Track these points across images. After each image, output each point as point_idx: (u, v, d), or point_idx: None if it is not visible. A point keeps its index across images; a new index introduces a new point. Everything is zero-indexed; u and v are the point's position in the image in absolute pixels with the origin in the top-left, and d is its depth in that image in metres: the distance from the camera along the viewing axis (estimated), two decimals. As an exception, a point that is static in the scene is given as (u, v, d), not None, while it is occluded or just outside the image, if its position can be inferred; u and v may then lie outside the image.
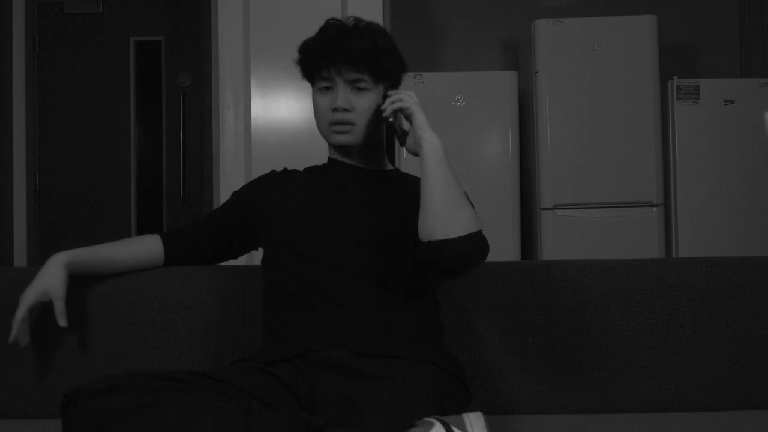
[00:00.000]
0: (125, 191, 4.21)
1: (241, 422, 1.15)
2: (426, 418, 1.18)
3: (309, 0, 2.91)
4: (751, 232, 3.60)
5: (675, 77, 3.64)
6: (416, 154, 1.42)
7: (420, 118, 1.42)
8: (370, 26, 1.52)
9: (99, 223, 4.11)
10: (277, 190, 1.60)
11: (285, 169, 1.66)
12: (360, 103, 1.48)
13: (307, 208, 1.54)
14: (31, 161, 4.09)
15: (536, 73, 3.61)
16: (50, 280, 1.51)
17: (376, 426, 1.17)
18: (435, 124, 3.85)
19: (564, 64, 3.60)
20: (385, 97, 1.48)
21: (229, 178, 3.10)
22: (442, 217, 1.34)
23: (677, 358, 1.63)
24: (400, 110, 1.43)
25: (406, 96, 1.43)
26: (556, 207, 3.58)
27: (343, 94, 1.48)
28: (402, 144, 1.47)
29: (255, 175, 1.71)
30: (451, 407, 1.29)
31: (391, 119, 1.45)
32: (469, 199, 1.46)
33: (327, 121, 1.51)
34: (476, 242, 1.35)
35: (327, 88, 1.50)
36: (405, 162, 3.24)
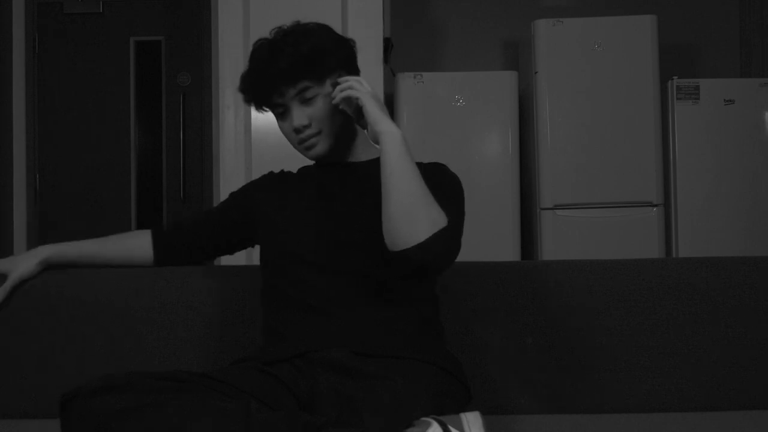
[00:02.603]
0: (125, 191, 4.21)
1: (241, 422, 1.15)
2: (423, 418, 1.18)
3: (309, 0, 2.91)
4: (751, 232, 3.60)
5: (675, 77, 3.64)
6: (378, 143, 1.39)
7: (372, 110, 1.36)
8: (292, 34, 1.48)
9: (99, 223, 4.11)
10: (276, 192, 1.60)
11: (282, 171, 1.66)
12: (315, 112, 1.46)
13: (304, 209, 1.54)
14: (31, 161, 4.09)
15: (536, 73, 3.61)
16: (20, 263, 1.64)
17: (376, 426, 1.17)
18: (435, 124, 3.86)
19: (564, 64, 3.60)
20: (335, 85, 1.44)
21: (229, 178, 3.10)
22: (403, 222, 1.30)
23: (677, 358, 1.63)
24: (350, 100, 1.40)
25: (356, 83, 1.39)
26: (556, 207, 3.57)
27: (296, 113, 1.46)
28: (364, 128, 1.43)
29: (255, 175, 1.71)
30: (450, 407, 1.29)
31: (341, 107, 1.42)
32: (458, 186, 1.46)
33: (295, 142, 1.50)
34: (444, 240, 1.30)
35: (283, 112, 1.49)
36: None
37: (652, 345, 1.63)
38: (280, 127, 1.52)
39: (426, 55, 4.27)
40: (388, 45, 3.30)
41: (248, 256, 1.76)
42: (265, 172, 1.70)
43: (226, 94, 3.10)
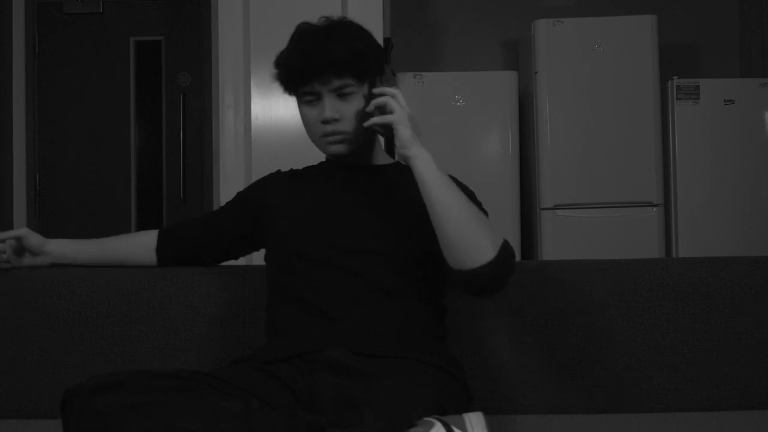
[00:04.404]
0: (125, 191, 4.21)
1: (243, 421, 1.15)
2: (426, 418, 1.18)
3: (309, 0, 2.91)
4: (751, 232, 3.60)
5: (675, 77, 3.64)
6: (405, 163, 1.38)
7: (404, 135, 1.34)
8: (346, 27, 1.48)
9: (99, 224, 4.11)
10: (286, 188, 1.59)
11: (291, 170, 1.66)
12: (348, 110, 1.45)
13: (315, 206, 1.54)
14: (31, 161, 4.10)
15: (536, 73, 3.61)
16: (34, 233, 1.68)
17: (376, 426, 1.17)
18: (435, 124, 3.84)
19: (564, 64, 3.60)
20: (370, 95, 1.41)
21: (229, 178, 3.10)
22: (467, 245, 1.30)
23: (677, 358, 1.63)
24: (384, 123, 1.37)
25: (393, 103, 1.36)
26: (556, 207, 3.58)
27: (330, 105, 1.44)
28: (392, 142, 1.39)
29: (255, 175, 1.71)
30: (451, 407, 1.29)
31: (375, 127, 1.39)
32: (476, 199, 1.46)
33: (318, 134, 1.48)
34: (509, 254, 1.33)
35: (313, 101, 1.47)
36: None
37: (652, 345, 1.63)
38: (305, 114, 1.49)
39: (426, 55, 4.28)
40: (388, 45, 3.30)
41: (249, 256, 1.76)
42: (265, 172, 1.69)
43: (226, 94, 3.10)
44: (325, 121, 1.45)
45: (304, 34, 1.47)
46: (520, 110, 3.71)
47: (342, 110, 1.45)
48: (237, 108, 3.09)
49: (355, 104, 1.45)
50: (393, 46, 3.46)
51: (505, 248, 1.33)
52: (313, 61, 1.43)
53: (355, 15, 2.99)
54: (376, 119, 1.36)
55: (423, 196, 1.35)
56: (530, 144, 3.69)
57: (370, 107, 1.38)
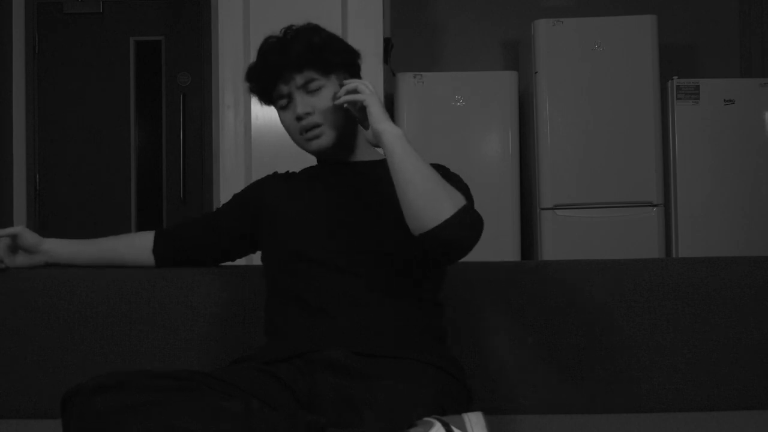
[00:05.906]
0: (125, 191, 4.21)
1: (242, 421, 1.15)
2: (426, 418, 1.18)
3: (309, 0, 2.91)
4: (751, 232, 3.60)
5: (675, 77, 3.64)
6: (377, 146, 1.41)
7: (375, 111, 1.38)
8: (303, 28, 1.53)
9: (99, 224, 4.11)
10: (281, 190, 1.60)
11: (287, 172, 1.67)
12: (319, 102, 1.49)
13: (310, 207, 1.54)
14: (31, 161, 4.10)
15: (536, 73, 3.61)
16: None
17: (376, 426, 1.17)
18: (435, 124, 3.84)
19: (564, 64, 3.60)
20: (341, 86, 1.46)
21: (229, 178, 3.10)
22: (425, 204, 1.31)
23: (677, 358, 1.63)
24: (355, 102, 1.41)
25: (362, 86, 1.41)
26: (556, 207, 3.58)
27: (300, 101, 1.48)
28: (366, 128, 1.44)
29: (255, 175, 1.72)
30: (451, 407, 1.29)
31: (345, 105, 1.43)
32: (463, 182, 1.48)
33: (298, 133, 1.51)
34: (468, 216, 1.33)
35: (287, 104, 1.51)
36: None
37: (652, 345, 1.63)
38: (283, 120, 1.54)
39: (426, 55, 4.28)
40: (388, 45, 3.30)
41: (248, 257, 1.76)
42: (265, 172, 1.70)
43: (226, 94, 3.10)
44: (299, 118, 1.49)
45: (264, 45, 1.54)
46: (520, 110, 3.71)
47: (313, 104, 1.49)
48: (237, 108, 3.09)
49: (324, 97, 1.49)
50: (393, 46, 3.46)
51: (466, 209, 1.33)
52: (273, 65, 1.49)
53: (355, 15, 2.99)
54: (348, 97, 1.41)
55: (389, 167, 1.36)
56: (530, 144, 3.69)
57: (341, 92, 1.42)
